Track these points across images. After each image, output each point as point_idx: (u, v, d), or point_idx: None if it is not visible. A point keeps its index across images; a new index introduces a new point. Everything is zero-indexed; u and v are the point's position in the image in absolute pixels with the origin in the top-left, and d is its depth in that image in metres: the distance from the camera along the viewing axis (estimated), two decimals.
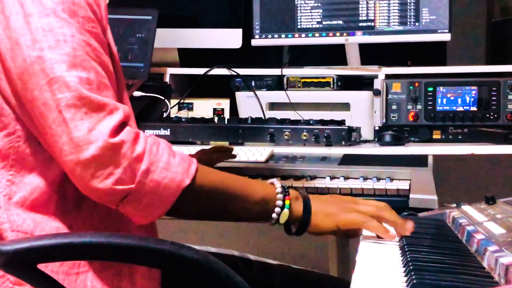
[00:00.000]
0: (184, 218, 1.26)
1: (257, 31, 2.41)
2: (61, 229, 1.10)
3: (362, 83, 2.32)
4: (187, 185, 1.07)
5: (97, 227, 1.13)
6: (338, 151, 1.91)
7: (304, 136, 1.98)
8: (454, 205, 1.41)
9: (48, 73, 1.02)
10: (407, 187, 1.59)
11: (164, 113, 2.30)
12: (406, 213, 1.44)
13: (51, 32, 1.03)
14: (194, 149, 1.90)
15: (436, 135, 2.14)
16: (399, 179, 1.67)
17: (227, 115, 2.39)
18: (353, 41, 2.33)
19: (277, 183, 1.22)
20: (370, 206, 1.23)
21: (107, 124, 1.01)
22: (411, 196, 1.56)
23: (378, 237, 1.20)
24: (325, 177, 1.71)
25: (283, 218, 1.19)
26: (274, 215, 1.19)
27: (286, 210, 1.19)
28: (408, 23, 2.26)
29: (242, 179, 1.21)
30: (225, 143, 2.06)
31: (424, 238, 1.17)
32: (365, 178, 1.69)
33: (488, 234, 1.06)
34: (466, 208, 1.34)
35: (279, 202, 1.19)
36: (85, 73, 1.03)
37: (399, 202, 1.58)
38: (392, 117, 2.15)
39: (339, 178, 1.70)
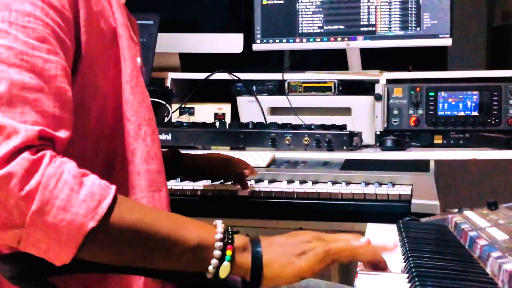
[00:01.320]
0: (97, 263, 0.95)
1: (258, 36, 2.41)
2: None
3: (363, 87, 2.32)
4: (91, 229, 0.86)
5: None
6: (340, 156, 1.91)
7: (306, 141, 1.98)
8: (456, 210, 1.41)
9: None
10: (409, 192, 1.59)
11: (166, 118, 2.30)
12: (408, 218, 1.44)
13: None
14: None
15: (438, 140, 2.14)
16: (401, 184, 1.67)
17: (228, 119, 2.39)
18: (354, 46, 2.33)
19: (220, 227, 0.98)
20: (341, 238, 1.02)
21: None
22: (413, 201, 1.56)
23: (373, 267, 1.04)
24: (326, 182, 1.70)
25: (224, 272, 0.95)
26: (210, 268, 0.94)
27: (226, 263, 0.95)
28: (409, 28, 2.26)
29: (173, 220, 0.97)
30: (227, 148, 2.06)
31: (427, 243, 1.17)
32: (367, 183, 1.68)
33: (491, 240, 1.06)
34: (468, 213, 1.34)
35: (217, 253, 0.95)
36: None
37: (401, 208, 1.58)
38: (394, 121, 2.16)
39: (340, 183, 1.70)
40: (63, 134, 0.92)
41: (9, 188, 0.83)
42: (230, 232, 0.98)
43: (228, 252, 0.95)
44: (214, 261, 0.95)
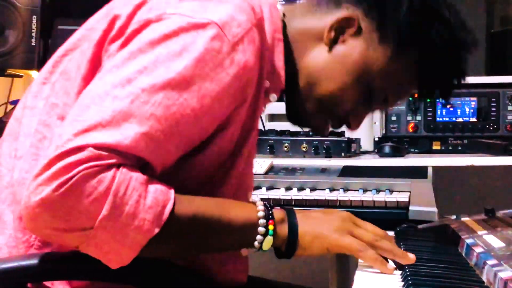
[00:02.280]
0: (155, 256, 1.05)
1: None
2: None
3: None
4: (156, 234, 0.92)
5: None
6: (338, 162, 1.91)
7: (304, 147, 1.98)
8: (454, 217, 1.41)
9: (90, 116, 0.92)
10: (407, 199, 1.59)
11: None
12: (405, 225, 1.44)
13: (131, 86, 0.93)
14: None
15: (436, 146, 2.14)
16: (399, 191, 1.67)
17: None
18: None
19: (260, 204, 1.05)
20: (368, 232, 1.09)
21: (63, 162, 0.88)
22: (410, 208, 1.56)
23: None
24: (324, 189, 1.70)
25: (267, 245, 1.04)
26: (256, 243, 1.03)
27: (269, 237, 1.03)
28: None
29: (220, 204, 1.04)
30: None
31: (424, 251, 1.16)
32: (365, 190, 1.68)
33: (487, 247, 1.06)
34: (465, 220, 1.34)
35: (261, 229, 1.03)
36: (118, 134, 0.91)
37: (398, 214, 1.58)
38: (392, 128, 2.16)
39: (338, 190, 1.70)
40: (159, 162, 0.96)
41: (81, 192, 0.87)
42: (270, 208, 1.05)
43: (270, 227, 1.03)
44: (259, 237, 1.03)
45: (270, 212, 1.04)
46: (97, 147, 0.88)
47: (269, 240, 1.03)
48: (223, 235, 1.02)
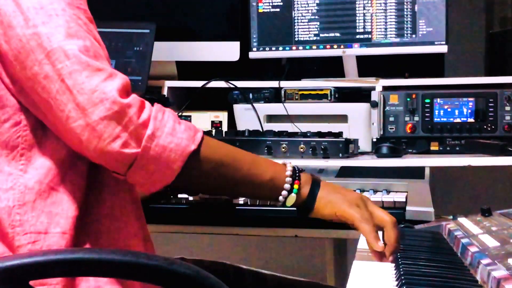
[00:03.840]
0: (189, 193, 1.28)
1: (255, 44, 2.41)
2: (75, 221, 1.09)
3: (359, 95, 2.32)
4: (193, 151, 1.06)
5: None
6: (336, 163, 1.91)
7: (301, 148, 1.98)
8: (451, 217, 1.41)
9: (46, 47, 1.02)
10: (404, 200, 1.59)
11: None
12: (402, 225, 1.44)
13: (42, 9, 1.05)
14: None
15: (434, 146, 2.14)
16: (396, 191, 1.67)
17: (225, 127, 2.39)
18: (350, 53, 2.33)
19: (289, 165, 1.21)
20: (380, 212, 1.20)
21: (110, 85, 1.02)
22: (407, 208, 1.56)
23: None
24: None
25: (290, 202, 1.19)
26: (280, 198, 1.19)
27: (293, 195, 1.19)
28: (405, 35, 2.27)
29: (252, 156, 1.20)
30: None
31: (419, 250, 1.17)
32: (362, 190, 1.68)
33: (482, 247, 1.06)
34: (462, 220, 1.34)
35: (287, 186, 1.18)
36: (82, 41, 1.04)
37: (395, 215, 1.55)
38: (390, 128, 2.16)
39: None
40: None
41: (129, 116, 1.01)
42: (297, 171, 1.21)
43: (295, 186, 1.19)
44: (284, 192, 1.18)
45: (298, 174, 1.20)
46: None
47: (292, 198, 1.19)
48: (252, 181, 1.16)
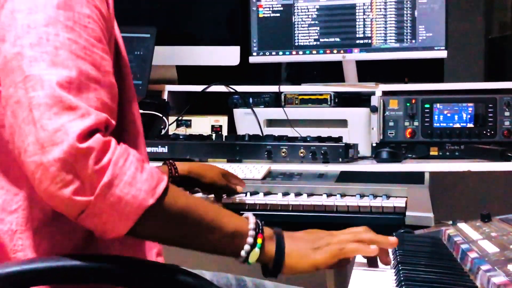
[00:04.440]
0: (146, 239, 1.16)
1: (255, 48, 2.42)
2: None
3: (359, 100, 2.33)
4: (151, 205, 0.98)
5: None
6: (335, 168, 1.91)
7: (301, 153, 1.99)
8: (450, 222, 1.42)
9: (25, 70, 0.98)
10: (404, 205, 1.60)
11: (162, 130, 2.31)
12: (402, 231, 1.44)
13: (34, 29, 1.00)
14: None
15: (433, 151, 2.14)
16: (396, 196, 1.67)
17: (225, 132, 2.40)
18: (350, 58, 2.34)
19: (252, 218, 1.12)
20: (347, 234, 1.17)
21: (75, 126, 0.95)
22: (407, 213, 1.57)
23: (368, 263, 1.17)
24: (322, 195, 1.71)
25: (253, 258, 1.09)
26: (243, 253, 1.09)
27: (256, 250, 1.09)
28: (405, 40, 2.28)
29: (215, 208, 1.11)
30: (223, 160, 2.07)
31: (419, 256, 1.17)
32: (362, 196, 1.69)
33: (481, 252, 1.06)
34: (461, 225, 1.34)
35: (250, 240, 1.09)
36: (67, 71, 0.98)
37: (395, 220, 1.58)
38: (389, 133, 2.16)
39: (335, 195, 1.71)
40: (113, 122, 1.03)
41: (87, 161, 0.94)
42: (260, 224, 1.12)
43: (259, 240, 1.09)
44: (246, 247, 1.09)
45: (261, 227, 1.11)
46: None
47: (255, 253, 1.09)
48: (213, 235, 1.07)
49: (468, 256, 1.07)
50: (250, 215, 1.13)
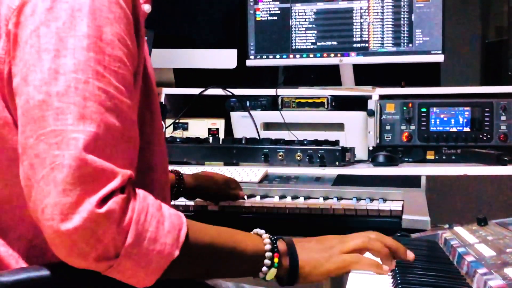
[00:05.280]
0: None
1: (252, 52, 2.42)
2: None
3: (356, 103, 2.33)
4: (176, 256, 0.96)
5: None
6: (332, 171, 1.91)
7: (298, 156, 1.99)
8: (447, 225, 1.42)
9: (50, 123, 0.90)
10: (400, 208, 1.60)
11: None
12: (399, 234, 1.44)
13: (63, 76, 0.92)
14: (188, 169, 1.91)
15: (430, 155, 2.15)
16: (392, 200, 1.67)
17: (222, 135, 2.40)
18: (347, 62, 2.34)
19: (266, 238, 1.12)
20: (358, 239, 1.15)
21: (100, 193, 0.89)
22: (403, 217, 1.57)
23: None
24: (318, 198, 1.71)
25: (271, 276, 1.10)
26: (261, 274, 1.10)
27: (273, 269, 1.10)
28: (402, 44, 2.28)
29: (231, 235, 1.09)
30: (220, 164, 2.07)
31: (416, 260, 1.17)
32: (359, 199, 1.69)
33: (478, 256, 1.06)
34: (458, 229, 1.35)
35: (267, 262, 1.09)
36: (94, 126, 0.91)
37: (392, 223, 1.58)
38: (386, 137, 2.17)
39: (332, 198, 1.71)
40: (133, 174, 0.97)
41: (108, 225, 0.89)
42: (274, 240, 1.11)
43: (276, 260, 1.10)
44: (264, 269, 1.09)
45: (275, 245, 1.11)
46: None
47: (273, 272, 1.10)
48: (235, 263, 1.08)
49: (465, 259, 1.07)
50: (263, 233, 1.13)
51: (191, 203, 1.71)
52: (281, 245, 1.12)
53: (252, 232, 1.14)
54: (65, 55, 0.92)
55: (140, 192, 0.96)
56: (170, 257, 0.95)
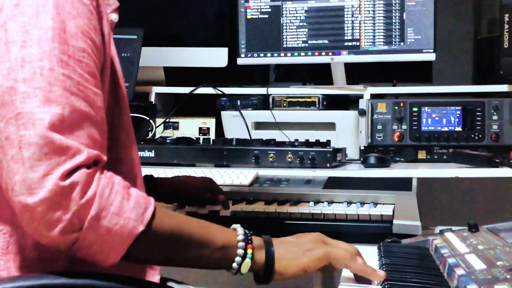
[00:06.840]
0: (139, 263, 1.16)
1: (243, 50, 2.41)
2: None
3: (347, 102, 2.32)
4: (140, 232, 0.99)
5: None
6: (323, 173, 1.90)
7: (289, 158, 1.97)
8: (438, 231, 1.41)
9: (17, 107, 0.96)
10: (391, 213, 1.59)
11: (150, 133, 2.30)
12: (389, 240, 1.44)
13: (29, 64, 0.98)
14: (178, 171, 1.89)
15: (422, 155, 2.14)
16: (383, 204, 1.67)
17: (213, 134, 2.39)
18: (338, 61, 2.33)
19: (240, 229, 1.14)
20: (340, 249, 1.17)
21: (63, 168, 0.94)
22: (394, 222, 1.56)
23: (356, 278, 1.17)
24: (309, 202, 1.70)
25: (245, 268, 1.11)
26: (234, 265, 1.10)
27: (247, 260, 1.10)
28: (393, 42, 2.27)
29: (202, 224, 1.11)
30: (211, 165, 2.06)
31: (406, 271, 1.16)
32: (349, 203, 1.68)
33: (468, 269, 1.06)
34: (448, 235, 1.34)
35: (240, 251, 1.10)
36: (59, 109, 0.97)
37: (383, 228, 1.57)
38: (378, 137, 2.16)
39: (323, 202, 1.70)
40: (104, 158, 1.02)
41: (72, 197, 0.94)
42: (249, 234, 1.13)
43: (249, 251, 1.11)
44: (238, 259, 1.10)
45: (249, 238, 1.12)
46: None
47: (247, 264, 1.10)
48: (203, 251, 1.08)
49: (455, 272, 1.06)
50: (238, 226, 1.15)
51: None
52: (257, 240, 1.14)
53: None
54: (31, 45, 0.99)
55: (108, 172, 1.00)
56: (134, 231, 0.98)
